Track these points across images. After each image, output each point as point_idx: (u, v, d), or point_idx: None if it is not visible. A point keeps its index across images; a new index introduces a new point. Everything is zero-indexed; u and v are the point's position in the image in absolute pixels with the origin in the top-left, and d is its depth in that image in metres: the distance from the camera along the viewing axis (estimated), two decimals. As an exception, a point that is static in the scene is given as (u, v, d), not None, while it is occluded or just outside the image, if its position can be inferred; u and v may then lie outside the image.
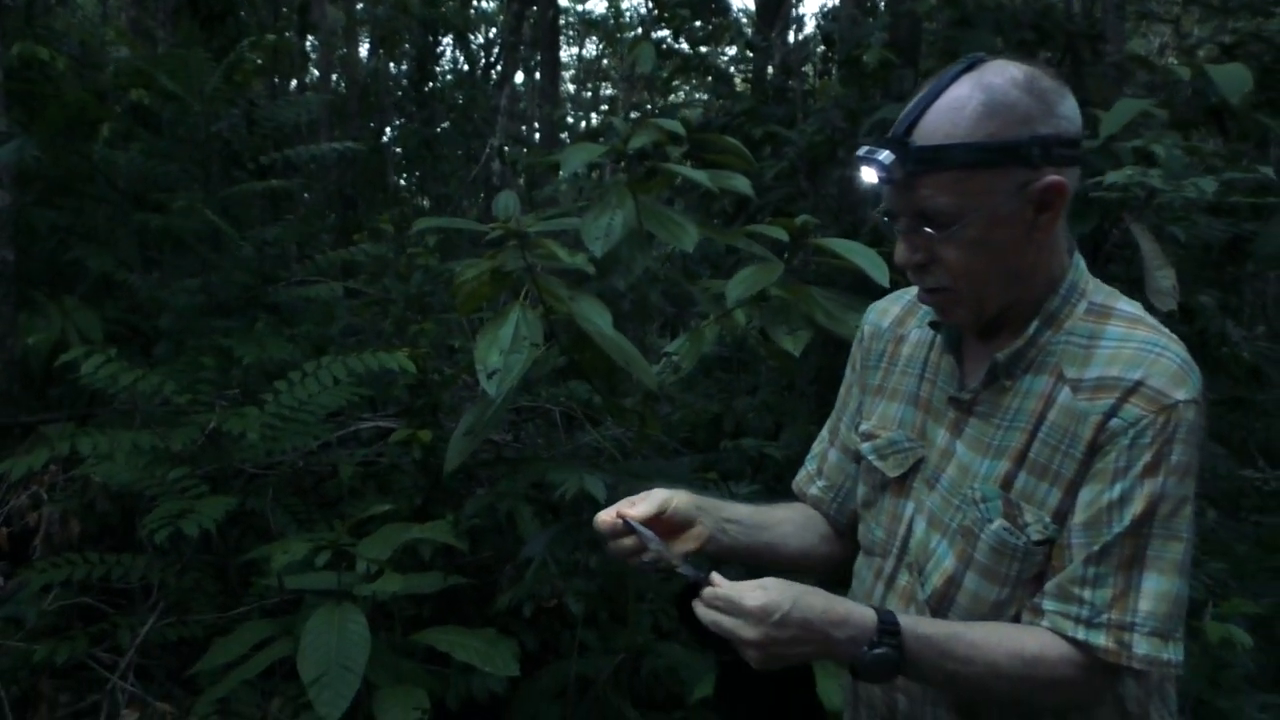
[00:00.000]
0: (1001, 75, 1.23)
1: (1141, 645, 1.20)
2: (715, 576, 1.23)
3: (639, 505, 1.39)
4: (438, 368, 3.60)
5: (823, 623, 1.19)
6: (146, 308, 4.57)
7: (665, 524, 1.40)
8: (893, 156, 1.22)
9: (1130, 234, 3.14)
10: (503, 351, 2.43)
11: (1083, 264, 1.35)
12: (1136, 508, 1.20)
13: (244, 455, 3.33)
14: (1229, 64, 3.64)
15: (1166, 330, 1.27)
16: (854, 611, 1.21)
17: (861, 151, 1.26)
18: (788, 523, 1.60)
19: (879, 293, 1.70)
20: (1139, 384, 1.21)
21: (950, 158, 1.21)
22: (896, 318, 1.55)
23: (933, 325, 1.44)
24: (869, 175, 1.26)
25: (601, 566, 3.10)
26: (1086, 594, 1.22)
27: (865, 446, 1.50)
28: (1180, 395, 1.21)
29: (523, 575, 3.03)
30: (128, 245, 4.60)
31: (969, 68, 1.25)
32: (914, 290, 1.49)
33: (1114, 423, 1.22)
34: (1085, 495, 1.24)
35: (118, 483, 3.06)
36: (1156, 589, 1.21)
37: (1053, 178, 1.22)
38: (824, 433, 1.67)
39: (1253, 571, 3.98)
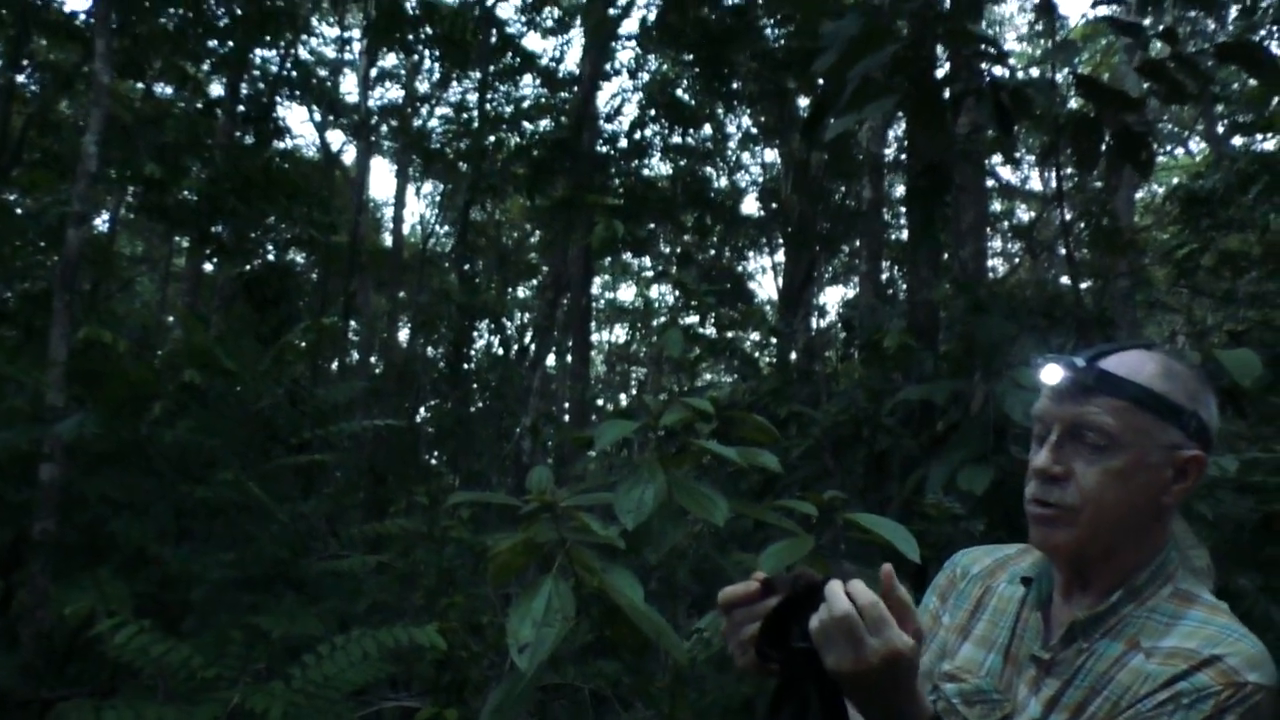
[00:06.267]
0: (1172, 358, 1.38)
1: None
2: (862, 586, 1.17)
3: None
4: (465, 643, 3.56)
5: (895, 691, 1.15)
6: (177, 581, 4.59)
7: None
8: (1084, 363, 1.35)
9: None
10: (535, 624, 2.42)
11: (1175, 554, 1.40)
12: None
13: (266, 734, 3.24)
14: (1238, 349, 3.78)
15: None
16: (920, 703, 1.18)
17: (1052, 354, 1.38)
18: None
19: (911, 568, 1.71)
20: (1215, 659, 1.23)
21: (1130, 389, 1.32)
22: (987, 568, 1.58)
23: (1024, 581, 1.48)
24: (1052, 375, 1.37)
25: None
26: None
27: (949, 688, 1.49)
28: (1253, 677, 1.21)
29: None
30: (165, 518, 4.69)
31: (1140, 346, 1.41)
32: (1005, 549, 1.56)
33: (1181, 685, 1.22)
34: None
35: (136, 762, 2.98)
36: None
37: (1197, 452, 1.33)
38: None
39: None
